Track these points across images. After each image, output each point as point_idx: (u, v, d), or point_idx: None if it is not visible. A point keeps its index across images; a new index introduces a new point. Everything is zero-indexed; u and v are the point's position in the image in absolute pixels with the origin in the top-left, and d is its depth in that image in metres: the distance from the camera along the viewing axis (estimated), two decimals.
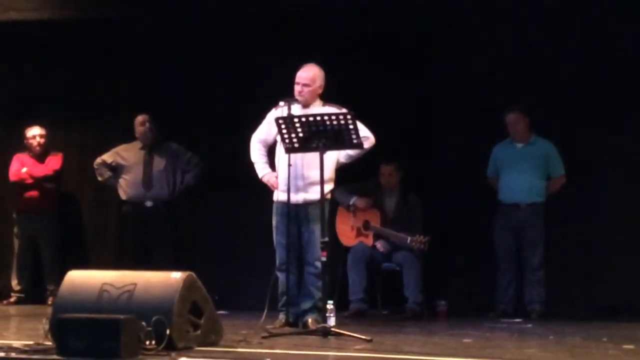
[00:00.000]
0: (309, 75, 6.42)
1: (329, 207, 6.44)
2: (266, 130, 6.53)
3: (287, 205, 6.28)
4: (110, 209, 8.97)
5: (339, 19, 8.42)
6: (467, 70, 8.28)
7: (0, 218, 9.17)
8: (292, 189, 6.28)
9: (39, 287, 8.81)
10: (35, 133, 8.85)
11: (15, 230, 8.91)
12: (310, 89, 6.40)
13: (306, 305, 6.38)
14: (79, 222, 9.20)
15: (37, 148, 8.84)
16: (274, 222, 6.50)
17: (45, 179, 8.81)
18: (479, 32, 8.27)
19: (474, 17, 8.24)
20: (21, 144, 8.94)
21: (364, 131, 6.14)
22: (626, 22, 7.92)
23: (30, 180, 8.79)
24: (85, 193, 9.19)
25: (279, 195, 6.42)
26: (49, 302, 8.32)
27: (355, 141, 5.92)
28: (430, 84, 8.40)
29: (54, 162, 8.88)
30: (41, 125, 8.92)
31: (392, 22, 8.37)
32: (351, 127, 5.84)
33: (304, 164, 6.29)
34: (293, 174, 6.27)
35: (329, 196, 6.46)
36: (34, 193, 8.81)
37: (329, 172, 6.38)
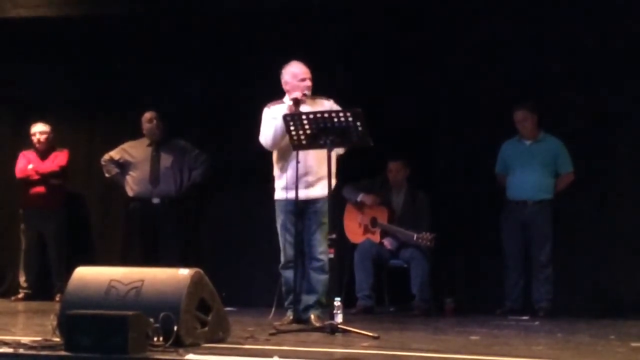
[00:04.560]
0: (308, 69, 6.42)
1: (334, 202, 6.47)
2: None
3: (295, 202, 6.27)
4: (117, 205, 8.98)
5: (344, 17, 8.42)
6: (474, 67, 8.27)
7: (8, 215, 9.19)
8: (300, 185, 6.28)
9: (46, 283, 8.82)
10: (36, 130, 8.86)
11: (22, 226, 8.92)
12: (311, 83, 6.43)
13: (310, 300, 6.38)
14: (86, 219, 9.22)
15: (38, 145, 8.85)
16: (279, 222, 6.48)
17: (51, 175, 8.82)
18: (486, 29, 8.25)
19: (480, 13, 8.23)
20: (30, 142, 8.96)
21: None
22: (628, 21, 7.92)
23: (36, 177, 8.81)
24: (93, 190, 9.20)
25: (283, 194, 6.39)
26: (57, 299, 8.34)
27: (362, 138, 5.92)
28: (437, 81, 8.38)
29: (60, 158, 8.88)
30: (49, 122, 8.93)
31: (397, 20, 8.37)
32: (358, 124, 5.84)
33: (314, 159, 6.26)
34: (306, 171, 6.28)
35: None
36: (40, 189, 8.82)
37: (333, 166, 6.39)
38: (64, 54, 9.10)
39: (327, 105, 6.31)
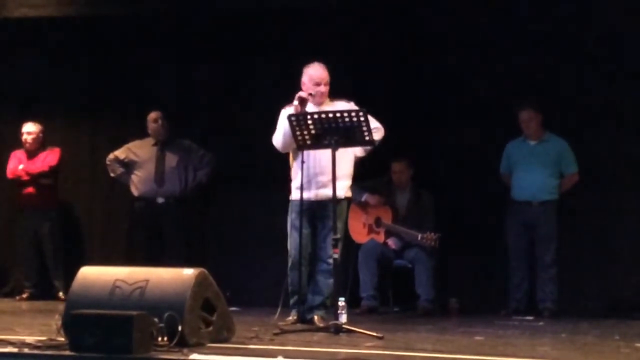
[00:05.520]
0: (327, 74, 6.39)
1: (346, 203, 6.47)
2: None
3: (300, 202, 6.25)
4: (121, 205, 8.98)
5: (344, 17, 8.42)
6: (479, 67, 8.26)
7: (9, 215, 9.18)
8: (314, 185, 6.29)
9: (50, 283, 8.83)
10: (24, 130, 8.85)
11: (19, 227, 8.92)
12: (328, 87, 6.40)
13: (315, 301, 6.38)
14: (90, 219, 9.22)
15: (27, 145, 8.84)
16: (290, 221, 6.44)
17: (41, 175, 8.80)
18: (490, 29, 8.24)
19: (485, 14, 8.23)
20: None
21: (373, 122, 6.09)
22: (630, 21, 7.91)
23: (26, 177, 8.79)
24: (97, 189, 9.20)
25: (295, 194, 6.35)
26: (61, 297, 8.37)
27: (367, 138, 5.91)
28: (440, 80, 8.37)
29: (50, 158, 8.85)
30: (52, 122, 8.94)
31: (401, 19, 8.37)
32: (363, 124, 5.84)
33: (328, 159, 6.17)
34: (319, 171, 6.27)
35: (349, 193, 6.48)
36: (31, 189, 8.79)
37: (349, 167, 6.41)
38: (67, 53, 9.11)
39: (346, 107, 6.21)
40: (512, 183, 7.95)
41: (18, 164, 8.84)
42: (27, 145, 8.85)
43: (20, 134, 8.88)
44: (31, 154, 8.86)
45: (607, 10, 7.94)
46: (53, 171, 8.86)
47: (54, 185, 8.91)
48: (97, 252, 8.95)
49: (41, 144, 8.89)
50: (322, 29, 8.43)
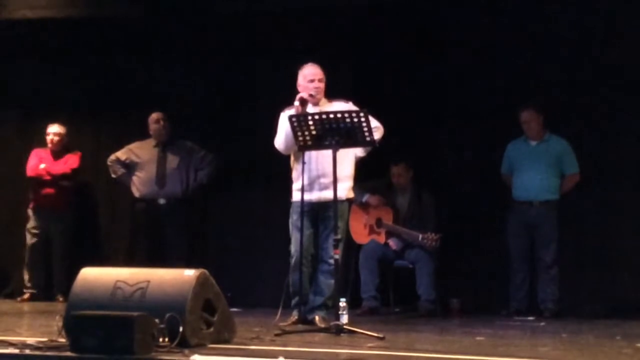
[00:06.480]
0: (321, 71, 6.42)
1: (347, 204, 6.47)
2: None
3: (301, 203, 6.25)
4: (123, 206, 8.99)
5: (349, 16, 8.42)
6: (480, 67, 8.27)
7: (13, 215, 9.18)
8: (316, 187, 6.29)
9: (52, 283, 8.83)
10: (50, 130, 8.90)
11: (29, 225, 8.91)
12: (324, 84, 6.41)
13: (316, 302, 6.38)
14: (92, 220, 9.23)
15: (51, 145, 8.88)
16: (291, 222, 6.44)
17: (62, 177, 8.84)
18: (491, 30, 8.25)
19: (486, 14, 8.23)
20: (36, 142, 8.98)
21: (373, 122, 6.09)
22: (631, 21, 7.91)
23: (47, 177, 8.82)
24: (99, 190, 9.21)
25: (297, 195, 6.34)
26: (60, 299, 8.38)
27: (368, 138, 5.91)
28: (443, 81, 8.38)
29: (72, 160, 8.91)
30: (54, 122, 8.94)
31: (403, 19, 8.37)
32: (364, 124, 5.84)
33: (329, 161, 6.20)
34: (321, 173, 6.27)
35: (351, 194, 6.49)
36: (50, 190, 8.83)
37: (351, 169, 6.41)
38: (69, 55, 9.13)
39: (344, 107, 6.24)
40: (513, 183, 7.95)
41: (39, 163, 8.85)
42: (52, 145, 8.87)
43: (35, 134, 8.94)
44: (55, 155, 8.89)
45: (607, 10, 7.95)
46: (74, 174, 8.90)
47: (72, 187, 8.94)
48: (98, 253, 8.96)
49: (64, 146, 8.92)
50: (323, 29, 8.44)
